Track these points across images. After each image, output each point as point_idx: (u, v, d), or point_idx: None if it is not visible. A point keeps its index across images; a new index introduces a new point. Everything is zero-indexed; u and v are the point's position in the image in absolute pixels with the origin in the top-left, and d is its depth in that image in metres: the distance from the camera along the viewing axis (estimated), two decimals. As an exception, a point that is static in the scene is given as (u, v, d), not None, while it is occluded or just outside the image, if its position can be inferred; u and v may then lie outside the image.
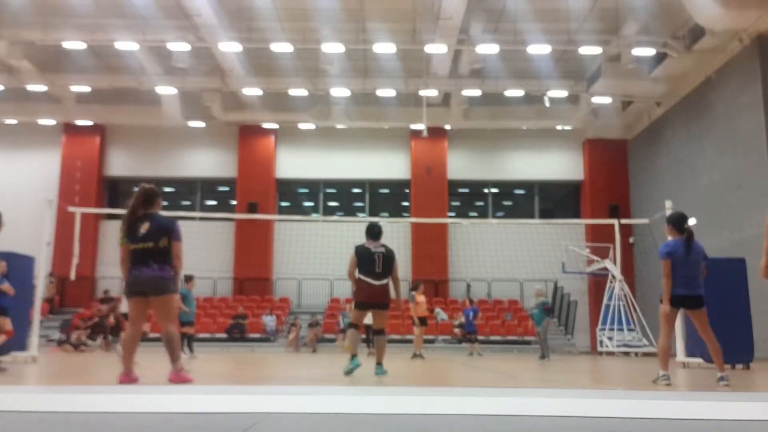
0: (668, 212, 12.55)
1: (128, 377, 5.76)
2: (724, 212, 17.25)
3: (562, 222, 22.47)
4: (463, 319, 19.00)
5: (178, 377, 5.77)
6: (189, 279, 13.68)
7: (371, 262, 7.30)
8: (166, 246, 5.83)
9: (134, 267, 5.81)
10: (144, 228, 5.81)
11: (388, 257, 7.39)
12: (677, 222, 6.69)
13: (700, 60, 18.39)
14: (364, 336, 15.55)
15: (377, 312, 7.52)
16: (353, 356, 7.43)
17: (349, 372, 7.28)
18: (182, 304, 13.00)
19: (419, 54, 19.94)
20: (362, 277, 7.35)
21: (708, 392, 5.82)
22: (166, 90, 21.88)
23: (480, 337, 20.64)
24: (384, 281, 7.37)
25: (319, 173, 25.12)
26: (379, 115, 23.56)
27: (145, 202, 5.95)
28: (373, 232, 7.48)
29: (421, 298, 14.73)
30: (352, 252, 7.45)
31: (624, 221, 18.98)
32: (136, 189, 6.04)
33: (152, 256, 5.78)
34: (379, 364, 7.63)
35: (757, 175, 15.81)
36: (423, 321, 14.61)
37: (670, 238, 6.72)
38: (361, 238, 7.67)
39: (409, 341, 15.09)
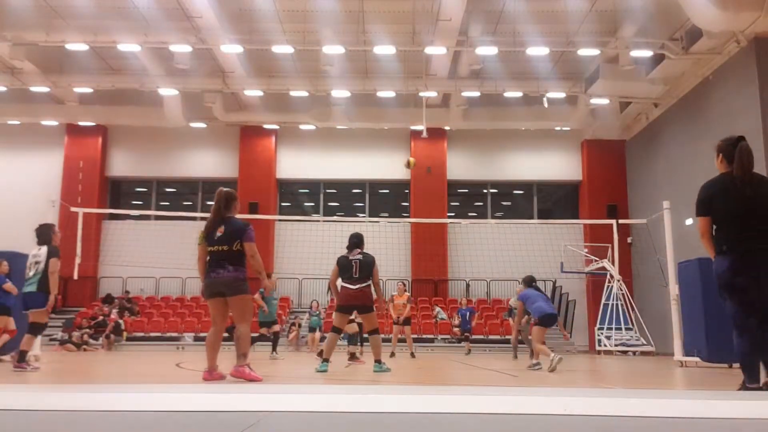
0: (666, 212, 12.68)
1: (211, 375, 5.96)
2: (722, 213, 17.26)
3: (560, 222, 22.53)
4: (457, 321, 19.05)
5: (239, 373, 5.91)
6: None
7: (349, 268, 7.97)
8: (239, 249, 6.07)
9: (211, 269, 6.06)
10: (220, 231, 6.06)
11: (365, 263, 8.00)
12: (530, 282, 9.41)
13: (698, 61, 18.46)
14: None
15: (362, 315, 8.17)
16: (325, 360, 7.90)
17: (318, 371, 7.76)
18: (263, 303, 13.26)
19: (419, 55, 20.01)
20: (342, 284, 8.01)
21: (705, 390, 5.86)
22: (167, 91, 21.94)
23: (480, 337, 20.73)
24: (362, 285, 7.94)
25: (320, 174, 25.17)
26: (379, 115, 23.61)
27: (225, 206, 6.18)
28: (351, 243, 8.20)
29: (397, 300, 14.84)
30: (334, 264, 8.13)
31: (622, 221, 19.10)
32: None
33: (227, 259, 6.03)
34: (377, 362, 8.10)
35: (754, 175, 15.87)
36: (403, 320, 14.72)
37: (522, 288, 9.46)
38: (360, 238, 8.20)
39: (401, 341, 15.24)
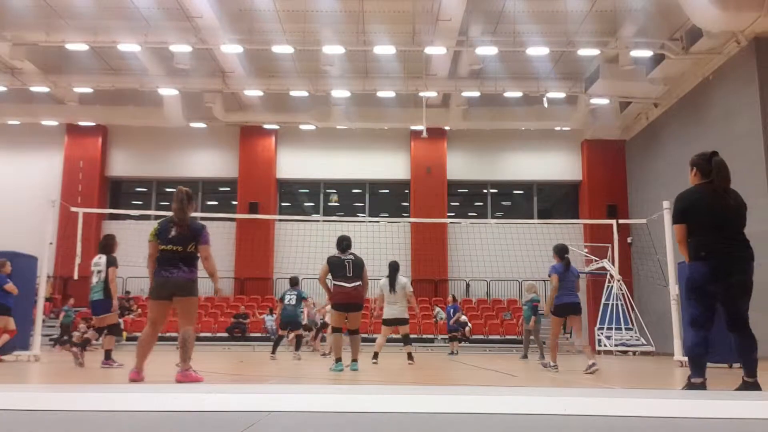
0: (666, 212, 12.68)
1: (138, 375, 5.91)
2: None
3: (560, 222, 22.50)
4: (444, 315, 18.76)
5: (186, 377, 5.85)
6: (297, 282, 14.27)
7: (342, 267, 8.21)
8: (193, 251, 5.99)
9: (164, 269, 5.92)
10: (175, 231, 5.96)
11: (357, 263, 8.27)
12: (560, 252, 8.84)
13: (698, 61, 18.46)
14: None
15: (352, 314, 8.31)
16: (338, 360, 8.11)
17: (333, 371, 7.96)
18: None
19: (419, 55, 20.02)
20: (336, 282, 8.20)
21: (705, 390, 5.86)
22: (167, 91, 21.95)
23: (480, 337, 20.71)
24: (355, 284, 8.19)
25: (320, 174, 25.18)
26: (379, 115, 23.62)
27: (188, 204, 6.10)
28: (342, 245, 8.40)
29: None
30: (324, 262, 8.33)
31: (622, 221, 19.06)
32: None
33: (182, 260, 5.94)
34: (354, 360, 8.34)
35: (753, 175, 15.88)
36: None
37: (555, 262, 8.80)
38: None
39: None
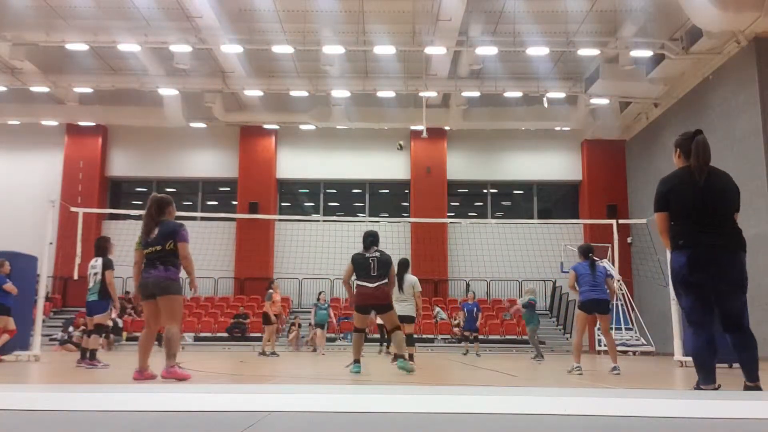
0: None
1: (141, 375, 6.02)
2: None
3: (560, 222, 22.51)
4: (461, 320, 18.41)
5: (171, 374, 5.98)
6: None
7: (366, 266, 7.61)
8: (172, 249, 6.12)
9: (145, 270, 6.15)
10: (153, 234, 6.17)
11: (383, 260, 7.65)
12: (584, 251, 8.85)
13: (698, 61, 18.46)
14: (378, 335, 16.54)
15: (383, 314, 7.79)
16: (356, 361, 7.72)
17: (352, 372, 7.60)
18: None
19: (419, 55, 20.02)
20: (359, 282, 7.66)
21: (705, 390, 5.85)
22: (167, 91, 21.96)
23: (479, 336, 20.66)
24: (380, 283, 7.59)
25: (320, 174, 25.19)
26: (378, 115, 23.62)
27: (157, 211, 6.28)
28: (367, 241, 7.80)
29: (276, 297, 15.18)
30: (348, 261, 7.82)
31: (622, 221, 19.06)
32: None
33: (159, 259, 6.10)
34: (401, 357, 7.93)
35: (754, 175, 15.87)
36: (267, 319, 15.05)
37: (579, 260, 8.81)
38: (360, 238, 7.97)
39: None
